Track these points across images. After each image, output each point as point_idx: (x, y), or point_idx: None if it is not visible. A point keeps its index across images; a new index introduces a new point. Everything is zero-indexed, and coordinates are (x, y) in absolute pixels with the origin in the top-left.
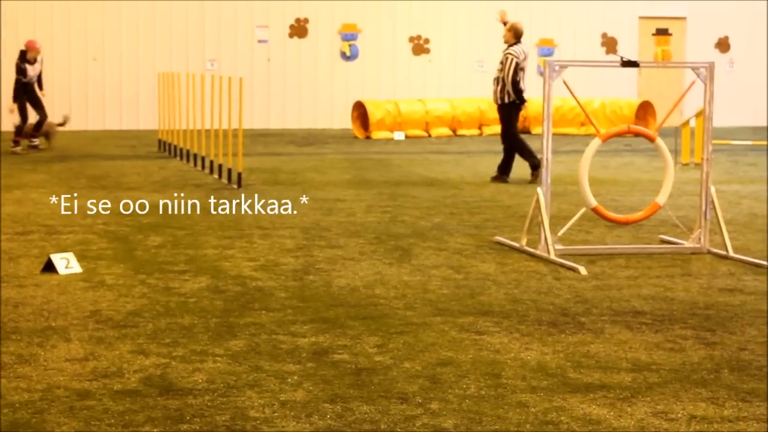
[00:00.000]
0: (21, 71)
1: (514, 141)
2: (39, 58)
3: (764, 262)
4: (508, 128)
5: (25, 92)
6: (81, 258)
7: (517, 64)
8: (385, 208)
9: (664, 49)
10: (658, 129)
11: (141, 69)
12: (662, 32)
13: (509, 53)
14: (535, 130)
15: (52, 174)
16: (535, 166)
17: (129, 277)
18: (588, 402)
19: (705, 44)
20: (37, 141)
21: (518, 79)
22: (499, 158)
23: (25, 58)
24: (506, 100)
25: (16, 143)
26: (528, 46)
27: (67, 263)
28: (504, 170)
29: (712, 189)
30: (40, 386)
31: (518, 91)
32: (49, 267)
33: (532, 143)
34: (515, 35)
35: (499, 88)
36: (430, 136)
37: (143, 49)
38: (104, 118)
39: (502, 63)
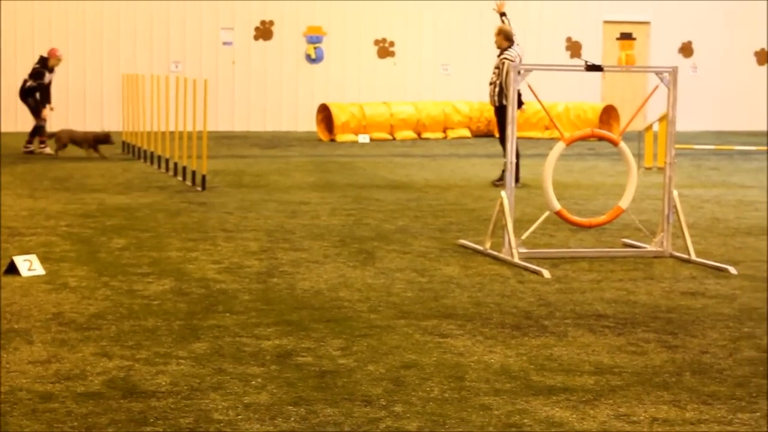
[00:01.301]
0: (39, 75)
1: (503, 144)
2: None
3: (726, 266)
4: (506, 131)
5: (31, 96)
6: (44, 260)
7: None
8: (350, 211)
9: (627, 54)
10: (622, 133)
11: (105, 70)
12: (626, 37)
13: (505, 57)
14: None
15: (15, 175)
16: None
17: (92, 279)
18: (551, 405)
19: (668, 49)
20: (32, 146)
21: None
22: (479, 161)
23: (46, 64)
24: (504, 103)
25: (43, 143)
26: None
27: (29, 265)
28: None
29: (675, 193)
30: (2, 389)
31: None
32: (12, 269)
33: (495, 148)
34: (506, 38)
35: (496, 91)
36: (394, 139)
37: (107, 50)
38: (68, 120)
39: (498, 67)
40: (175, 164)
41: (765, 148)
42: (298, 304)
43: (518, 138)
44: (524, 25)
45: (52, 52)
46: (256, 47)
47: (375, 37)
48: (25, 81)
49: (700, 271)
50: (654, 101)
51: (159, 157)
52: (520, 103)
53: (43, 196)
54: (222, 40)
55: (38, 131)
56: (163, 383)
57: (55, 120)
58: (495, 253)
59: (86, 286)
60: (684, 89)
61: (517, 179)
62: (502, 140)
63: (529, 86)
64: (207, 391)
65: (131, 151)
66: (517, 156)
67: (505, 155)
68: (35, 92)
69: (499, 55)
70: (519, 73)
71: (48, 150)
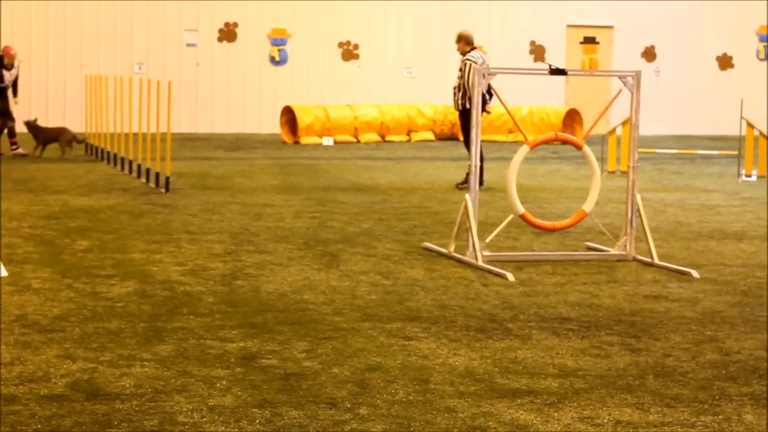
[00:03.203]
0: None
1: (468, 147)
2: (15, 64)
3: (689, 270)
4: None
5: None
6: (6, 262)
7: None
8: (314, 213)
9: (591, 58)
10: (585, 137)
11: (68, 71)
12: (590, 41)
13: (467, 59)
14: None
15: None
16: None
17: (55, 281)
18: (515, 407)
19: (631, 53)
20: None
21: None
22: (443, 164)
23: (2, 63)
24: (467, 106)
25: (14, 144)
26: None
27: None
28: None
29: (638, 197)
30: None
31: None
32: None
33: (459, 151)
34: (467, 42)
35: (460, 94)
36: (358, 141)
37: (70, 50)
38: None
39: (461, 70)
40: (139, 166)
41: (727, 152)
42: (262, 307)
43: (482, 141)
44: (488, 29)
45: (6, 50)
46: (220, 49)
47: (339, 40)
48: None
49: (663, 275)
50: (617, 105)
51: (122, 159)
52: (484, 106)
53: (6, 197)
54: (186, 41)
55: (11, 132)
56: (128, 385)
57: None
58: (459, 256)
59: (49, 287)
60: (647, 93)
61: (481, 182)
62: (467, 143)
63: (493, 89)
64: (171, 393)
65: (94, 152)
66: (481, 159)
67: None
68: None
69: (462, 59)
70: (484, 76)
71: (21, 151)
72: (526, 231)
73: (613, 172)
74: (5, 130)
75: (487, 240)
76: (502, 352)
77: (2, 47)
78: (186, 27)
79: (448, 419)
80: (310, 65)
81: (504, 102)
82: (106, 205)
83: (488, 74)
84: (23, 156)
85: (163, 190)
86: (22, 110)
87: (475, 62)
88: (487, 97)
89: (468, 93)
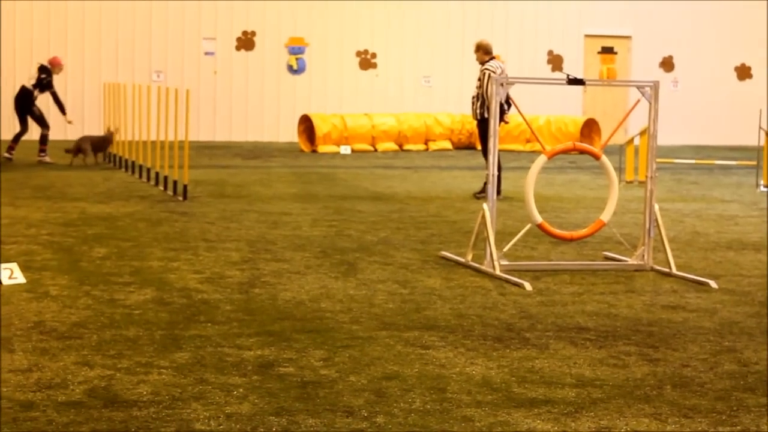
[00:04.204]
0: (49, 85)
1: (486, 157)
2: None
3: (707, 280)
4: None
5: (34, 105)
6: (25, 269)
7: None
8: (331, 222)
9: (609, 68)
10: (603, 147)
11: (86, 79)
12: (607, 51)
13: (486, 69)
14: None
15: None
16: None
17: (73, 288)
18: (532, 417)
19: (649, 63)
20: (46, 155)
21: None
22: (460, 174)
23: (50, 73)
24: (486, 116)
25: (43, 152)
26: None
27: (10, 273)
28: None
29: (656, 207)
30: None
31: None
32: None
33: (476, 160)
34: (485, 52)
35: (478, 104)
36: (376, 150)
37: (89, 59)
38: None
39: (480, 80)
40: (157, 174)
41: (745, 162)
42: (279, 315)
43: (500, 151)
44: (505, 39)
45: (57, 61)
46: (238, 57)
47: (357, 49)
48: (28, 90)
49: (681, 285)
50: (635, 115)
51: (140, 167)
52: (502, 116)
53: (24, 204)
54: (204, 50)
55: (44, 140)
56: (145, 393)
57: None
58: (476, 265)
59: (67, 294)
60: (665, 103)
61: (498, 191)
62: (485, 153)
63: (511, 98)
64: (188, 400)
65: (112, 160)
66: (499, 169)
67: (487, 168)
68: (32, 100)
69: (480, 69)
70: (502, 85)
71: (48, 159)
72: (543, 240)
73: (630, 182)
74: (23, 135)
75: (505, 249)
76: (519, 362)
77: (52, 57)
78: (204, 35)
79: (465, 428)
80: (327, 74)
81: (522, 111)
82: (124, 212)
83: (506, 84)
84: (49, 164)
85: (180, 198)
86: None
87: (493, 72)
88: (506, 106)
89: (486, 102)
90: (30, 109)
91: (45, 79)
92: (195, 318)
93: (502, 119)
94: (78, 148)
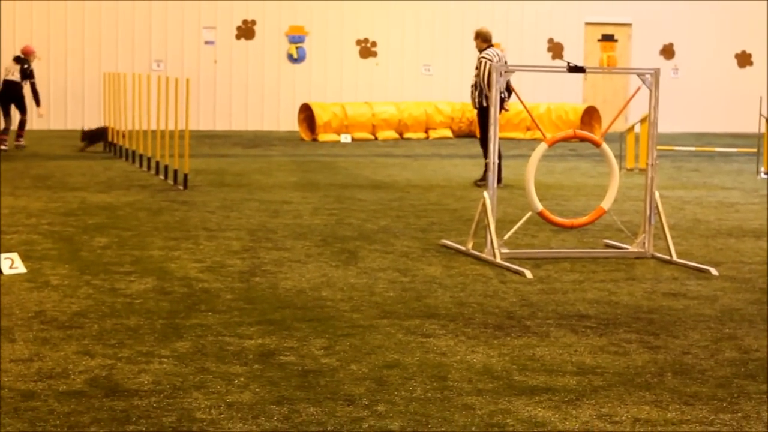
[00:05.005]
0: (32, 74)
1: (484, 146)
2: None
3: (707, 267)
4: (487, 132)
5: (20, 94)
6: (25, 258)
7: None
8: (332, 210)
9: (609, 55)
10: (604, 134)
11: (86, 69)
12: (608, 38)
13: (483, 57)
14: None
15: None
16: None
17: (74, 277)
18: (533, 405)
19: (650, 51)
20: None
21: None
22: (461, 162)
23: (29, 62)
24: (484, 104)
25: (21, 137)
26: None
27: (11, 263)
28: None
29: (657, 194)
30: None
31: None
32: None
33: (477, 148)
34: (484, 39)
35: (477, 92)
36: (376, 139)
37: (89, 48)
38: (49, 118)
39: (477, 68)
40: (157, 163)
41: (745, 149)
42: (280, 304)
43: (500, 139)
44: (506, 26)
45: (30, 50)
46: (238, 46)
47: (357, 37)
48: (14, 82)
49: (682, 272)
50: (635, 102)
51: (141, 156)
52: (502, 104)
53: (24, 194)
54: (204, 39)
55: (23, 125)
56: (146, 382)
57: (36, 117)
58: (477, 253)
59: (68, 284)
60: (665, 91)
61: (499, 180)
62: (483, 141)
63: (511, 86)
64: (190, 389)
65: (113, 149)
66: (499, 156)
67: (486, 156)
68: (20, 90)
69: (478, 57)
70: (501, 74)
71: (23, 143)
72: (544, 228)
73: (631, 170)
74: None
75: (506, 237)
76: (520, 350)
77: (24, 46)
78: (204, 24)
79: (465, 416)
80: (327, 63)
81: (522, 99)
82: (124, 202)
83: (506, 72)
84: (23, 147)
85: (181, 187)
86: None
87: (490, 60)
88: (506, 94)
89: (484, 91)
90: (19, 100)
91: (28, 68)
92: (196, 307)
93: (502, 107)
94: (96, 135)
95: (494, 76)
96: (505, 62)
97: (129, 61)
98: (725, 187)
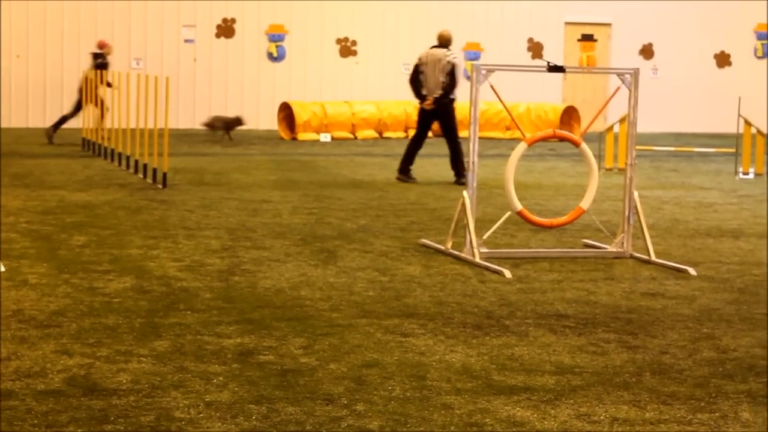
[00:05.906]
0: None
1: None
2: None
3: (686, 267)
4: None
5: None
6: (3, 257)
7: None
8: (311, 209)
9: (589, 55)
10: (583, 134)
11: (65, 67)
12: (587, 38)
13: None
14: (462, 133)
15: None
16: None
17: (52, 276)
18: (512, 404)
19: (629, 51)
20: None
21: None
22: (440, 161)
23: (104, 55)
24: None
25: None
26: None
27: None
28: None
29: (635, 194)
30: None
31: (416, 90)
32: None
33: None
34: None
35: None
36: (356, 138)
37: (68, 46)
38: (27, 116)
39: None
40: (136, 162)
41: (724, 149)
42: (259, 303)
43: (479, 138)
44: (486, 26)
45: (104, 43)
46: (218, 45)
47: (337, 36)
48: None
49: (660, 272)
50: (615, 102)
51: (120, 155)
52: (423, 98)
53: (3, 192)
54: (183, 37)
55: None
56: (124, 381)
57: (14, 115)
58: (456, 252)
59: (46, 283)
60: (644, 91)
61: (463, 174)
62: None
63: (492, 86)
64: (168, 389)
65: (91, 148)
66: (460, 151)
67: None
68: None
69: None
70: (482, 73)
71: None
72: (523, 228)
73: (610, 170)
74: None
75: (485, 237)
76: (498, 349)
77: (99, 41)
78: (183, 23)
79: (444, 416)
80: (307, 61)
81: (502, 99)
82: (103, 200)
83: (487, 71)
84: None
85: (160, 186)
86: (19, 106)
87: (420, 60)
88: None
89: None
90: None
91: (102, 61)
92: (174, 306)
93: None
94: (212, 125)
95: (475, 76)
96: (446, 63)
97: (109, 58)
98: (704, 188)
